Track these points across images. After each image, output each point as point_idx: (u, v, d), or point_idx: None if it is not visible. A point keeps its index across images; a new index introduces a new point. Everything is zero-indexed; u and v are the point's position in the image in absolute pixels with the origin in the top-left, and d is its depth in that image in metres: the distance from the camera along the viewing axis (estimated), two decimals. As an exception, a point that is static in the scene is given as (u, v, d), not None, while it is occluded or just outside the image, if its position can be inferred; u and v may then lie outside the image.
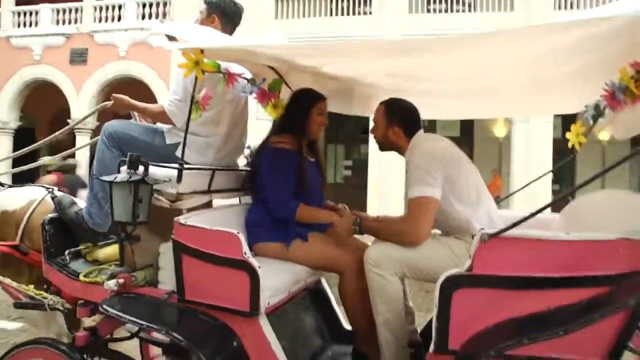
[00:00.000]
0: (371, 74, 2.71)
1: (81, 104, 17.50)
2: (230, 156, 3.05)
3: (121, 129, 2.89)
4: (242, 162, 3.37)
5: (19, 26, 19.12)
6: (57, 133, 3.62)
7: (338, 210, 2.98)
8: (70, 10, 18.60)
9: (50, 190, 3.61)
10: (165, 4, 17.41)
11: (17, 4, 19.30)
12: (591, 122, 2.99)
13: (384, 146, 2.83)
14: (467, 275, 1.99)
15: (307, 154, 2.91)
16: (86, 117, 3.97)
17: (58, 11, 18.73)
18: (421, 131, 2.72)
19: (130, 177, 2.36)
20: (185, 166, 2.51)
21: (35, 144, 3.93)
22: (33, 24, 18.96)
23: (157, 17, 17.46)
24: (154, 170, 2.49)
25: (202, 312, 2.39)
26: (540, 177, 3.35)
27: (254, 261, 2.29)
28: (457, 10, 14.90)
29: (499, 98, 2.99)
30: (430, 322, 2.91)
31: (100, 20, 18.15)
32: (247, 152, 3.31)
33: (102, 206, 2.89)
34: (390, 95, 2.94)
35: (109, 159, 2.81)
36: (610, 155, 15.29)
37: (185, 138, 2.52)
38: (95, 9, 18.27)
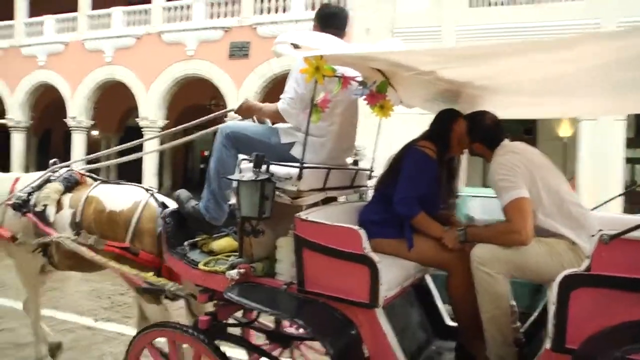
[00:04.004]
0: (483, 77, 2.90)
1: (241, 100, 16.70)
2: (341, 155, 3.31)
3: (238, 129, 3.18)
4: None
5: (169, 21, 19.58)
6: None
7: (453, 221, 3.22)
8: (227, 3, 18.73)
9: (152, 192, 3.96)
10: (337, -7, 16.82)
11: None
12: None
13: (473, 154, 3.11)
14: (586, 274, 2.15)
15: (443, 168, 3.16)
16: (213, 116, 4.14)
17: (213, 4, 18.98)
18: (504, 142, 2.94)
19: (257, 176, 2.63)
20: (305, 165, 2.78)
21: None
22: (185, 19, 19.29)
23: (328, 5, 17.01)
24: (275, 169, 2.76)
25: (322, 302, 2.65)
26: None
27: (374, 255, 2.52)
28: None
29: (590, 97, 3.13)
30: (534, 321, 3.08)
31: (262, 12, 17.99)
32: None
33: (218, 201, 3.20)
34: (494, 96, 3.13)
35: (227, 158, 3.12)
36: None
37: (305, 139, 2.79)
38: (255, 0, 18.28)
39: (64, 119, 22.06)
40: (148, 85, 19.84)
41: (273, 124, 3.38)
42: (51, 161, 4.49)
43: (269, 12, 17.89)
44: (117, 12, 21.01)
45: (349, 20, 3.38)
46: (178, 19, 19.64)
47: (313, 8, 16.98)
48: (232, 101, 17.14)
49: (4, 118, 23.73)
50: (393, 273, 2.75)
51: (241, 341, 3.16)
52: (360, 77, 2.96)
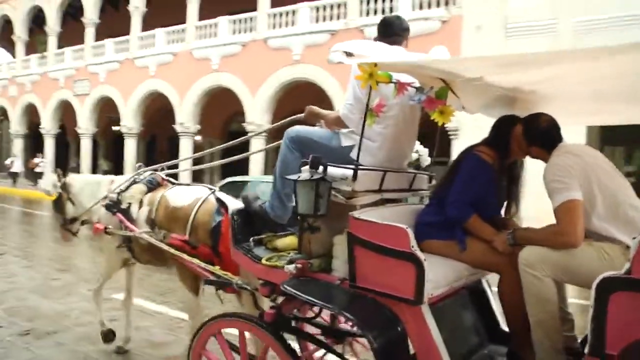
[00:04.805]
0: (530, 83, 2.94)
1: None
2: (399, 158, 3.42)
3: (302, 133, 3.40)
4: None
5: (275, 27, 20.40)
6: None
7: (510, 224, 3.25)
8: (332, 6, 19.10)
9: (213, 190, 4.38)
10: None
11: (274, 5, 20.67)
12: None
13: (532, 157, 3.11)
14: (625, 278, 2.13)
15: (502, 173, 3.22)
16: (280, 124, 4.48)
17: (318, 8, 19.53)
18: (562, 143, 2.92)
19: (312, 176, 2.83)
20: (360, 167, 2.94)
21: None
22: (291, 24, 20.00)
23: (437, 5, 16.81)
24: (332, 170, 2.93)
25: (371, 298, 2.77)
26: None
27: (420, 254, 2.62)
28: None
29: None
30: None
31: (368, 14, 18.05)
32: (415, 156, 3.69)
33: (283, 201, 3.42)
34: (552, 101, 3.15)
35: (291, 160, 3.34)
36: None
37: (360, 141, 2.95)
38: (361, 1, 18.37)
39: (172, 125, 23.43)
40: (254, 90, 20.52)
41: None
42: (136, 165, 5.11)
43: (375, 13, 17.87)
44: (223, 21, 22.07)
45: (408, 29, 3.53)
46: (283, 24, 20.21)
47: (420, 8, 16.92)
48: (338, 104, 17.05)
49: (118, 125, 25.73)
50: (442, 272, 2.82)
51: (307, 335, 3.34)
52: (416, 83, 3.10)
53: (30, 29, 32.37)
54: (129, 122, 25.36)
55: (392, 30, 3.47)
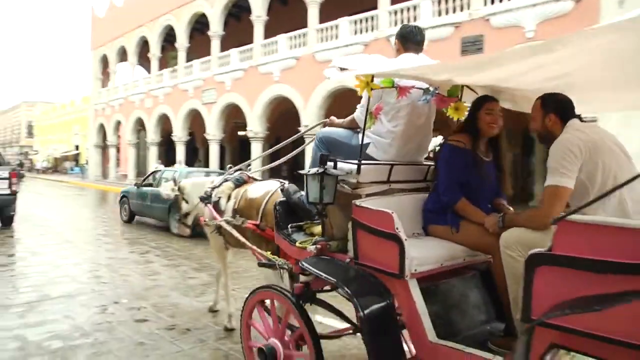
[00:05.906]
0: (499, 80, 3.30)
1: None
2: (413, 153, 3.92)
3: (328, 134, 4.04)
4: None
5: (396, 24, 20.35)
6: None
7: (503, 208, 3.67)
8: None
9: (282, 184, 5.20)
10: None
11: (394, 2, 21.26)
12: None
13: (542, 137, 3.30)
14: (547, 254, 2.47)
15: (482, 153, 3.65)
16: (313, 127, 5.32)
17: (440, 1, 19.39)
18: (575, 120, 3.13)
19: (317, 171, 3.47)
20: (363, 161, 3.50)
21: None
22: (413, 19, 20.13)
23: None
24: (341, 165, 3.53)
25: (368, 273, 3.34)
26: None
27: (402, 234, 3.13)
28: None
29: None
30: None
31: (493, 2, 17.51)
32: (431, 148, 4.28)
33: None
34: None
35: (319, 157, 4.01)
36: None
37: (362, 140, 3.54)
38: (484, -8, 17.65)
39: (297, 127, 24.29)
40: (378, 90, 20.92)
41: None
42: (228, 166, 6.30)
43: (501, 1, 17.36)
44: (344, 23, 22.75)
45: (423, 39, 4.03)
46: (405, 20, 20.23)
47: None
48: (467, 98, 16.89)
49: (244, 130, 27.60)
50: (431, 252, 3.32)
51: (327, 306, 3.89)
52: (419, 85, 3.61)
53: (163, 47, 36.32)
54: (255, 126, 27.09)
55: (404, 38, 4.00)
